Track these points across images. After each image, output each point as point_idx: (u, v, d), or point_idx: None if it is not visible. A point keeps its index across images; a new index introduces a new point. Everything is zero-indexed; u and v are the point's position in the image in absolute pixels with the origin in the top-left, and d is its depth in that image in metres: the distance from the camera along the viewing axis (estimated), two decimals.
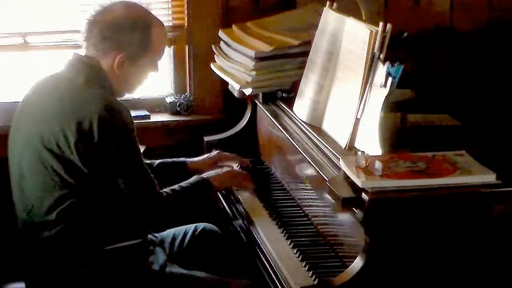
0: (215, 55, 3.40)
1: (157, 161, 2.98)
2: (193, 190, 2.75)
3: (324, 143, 2.66)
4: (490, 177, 2.24)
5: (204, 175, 2.86)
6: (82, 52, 2.69)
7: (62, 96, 2.60)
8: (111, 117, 2.52)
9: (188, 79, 3.70)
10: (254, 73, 3.13)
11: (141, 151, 2.64)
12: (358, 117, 2.56)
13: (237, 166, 3.10)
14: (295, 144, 2.81)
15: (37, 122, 2.59)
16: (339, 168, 2.41)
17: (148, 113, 3.64)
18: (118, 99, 2.66)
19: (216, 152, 3.18)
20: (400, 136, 2.54)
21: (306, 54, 2.98)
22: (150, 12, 2.72)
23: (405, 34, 3.17)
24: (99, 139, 2.50)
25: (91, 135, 2.50)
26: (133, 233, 2.65)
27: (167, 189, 2.69)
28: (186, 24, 3.64)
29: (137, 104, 3.64)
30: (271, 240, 2.62)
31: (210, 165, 3.07)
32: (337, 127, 2.68)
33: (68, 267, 2.57)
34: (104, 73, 2.64)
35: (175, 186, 2.72)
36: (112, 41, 2.63)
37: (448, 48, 3.21)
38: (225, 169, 3.00)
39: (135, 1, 2.73)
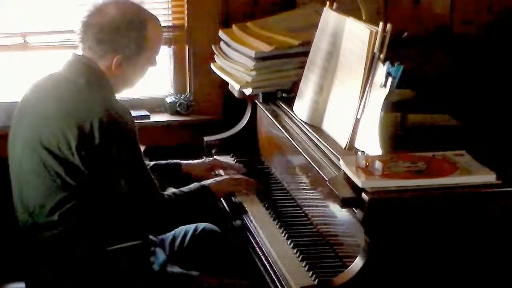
0: (215, 55, 3.39)
1: (151, 163, 2.96)
2: (193, 195, 2.75)
3: (324, 143, 2.65)
4: (490, 177, 2.24)
5: (204, 182, 2.85)
6: (80, 52, 2.67)
7: (62, 97, 2.59)
8: (112, 120, 2.50)
9: (188, 79, 3.70)
10: (254, 73, 3.13)
11: (142, 151, 2.63)
12: (358, 117, 2.56)
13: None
14: (295, 144, 2.81)
15: (37, 124, 2.58)
16: (339, 168, 2.41)
17: (148, 113, 3.64)
18: (118, 94, 2.65)
19: (211, 158, 3.18)
20: (400, 136, 2.54)
21: (306, 54, 2.98)
22: (143, 8, 2.67)
23: (405, 34, 3.17)
24: (100, 142, 2.48)
25: (92, 137, 2.48)
26: (134, 234, 2.64)
27: (168, 192, 2.70)
28: (186, 24, 3.64)
29: (137, 104, 3.63)
30: (271, 240, 2.61)
31: (204, 170, 3.06)
32: (337, 127, 2.68)
33: (69, 268, 2.57)
34: (103, 74, 2.62)
35: (176, 190, 2.73)
36: (108, 43, 2.60)
37: (448, 49, 3.21)
38: (226, 176, 2.98)
39: None
